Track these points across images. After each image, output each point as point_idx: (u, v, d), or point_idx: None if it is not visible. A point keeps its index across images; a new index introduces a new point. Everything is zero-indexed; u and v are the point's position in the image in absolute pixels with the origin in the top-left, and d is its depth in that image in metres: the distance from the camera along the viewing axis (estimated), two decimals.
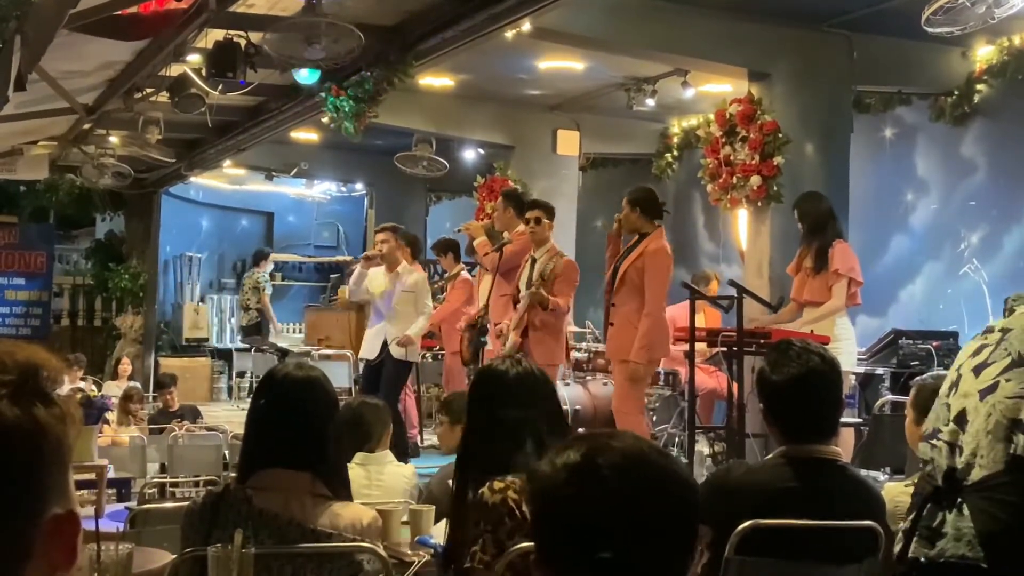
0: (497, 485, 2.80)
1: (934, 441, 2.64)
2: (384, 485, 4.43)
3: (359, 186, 16.55)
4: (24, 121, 9.55)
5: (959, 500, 2.48)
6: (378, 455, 4.53)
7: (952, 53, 9.07)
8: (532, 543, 1.61)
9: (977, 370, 2.63)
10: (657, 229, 7.02)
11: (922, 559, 2.49)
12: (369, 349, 8.70)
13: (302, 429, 2.79)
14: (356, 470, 4.33)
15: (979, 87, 9.16)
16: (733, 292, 6.82)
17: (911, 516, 2.58)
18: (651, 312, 6.79)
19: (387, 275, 8.66)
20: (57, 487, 1.09)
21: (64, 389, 1.12)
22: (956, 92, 9.29)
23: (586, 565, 1.43)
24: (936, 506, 2.51)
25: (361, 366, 9.21)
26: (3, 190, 16.25)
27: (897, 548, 2.58)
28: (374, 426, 4.62)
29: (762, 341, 6.53)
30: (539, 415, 2.95)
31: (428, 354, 10.95)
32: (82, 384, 10.06)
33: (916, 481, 2.78)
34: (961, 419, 2.60)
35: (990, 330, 2.79)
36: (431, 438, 9.79)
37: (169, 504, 5.21)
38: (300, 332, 14.59)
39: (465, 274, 9.98)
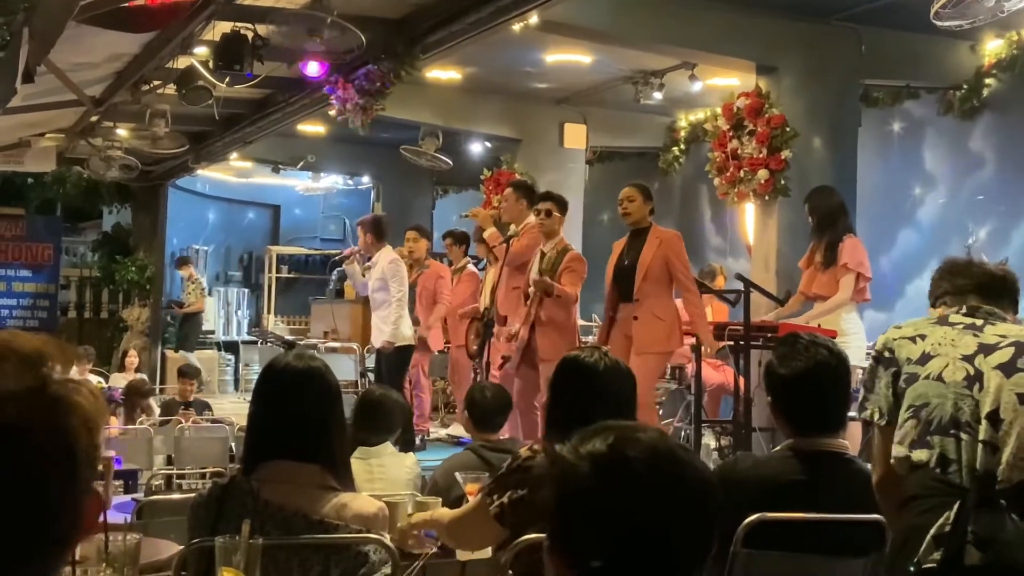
0: (536, 446, 2.94)
1: (961, 435, 2.57)
2: (386, 477, 4.43)
3: (365, 179, 16.55)
4: (32, 113, 9.57)
5: (1002, 503, 2.43)
6: (378, 448, 4.53)
7: (961, 47, 9.05)
8: (541, 534, 1.60)
9: (1006, 370, 2.59)
10: (652, 222, 7.03)
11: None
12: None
13: (304, 420, 2.78)
14: (358, 464, 4.33)
15: (988, 81, 9.14)
16: (740, 286, 6.81)
17: (947, 520, 2.50)
18: (694, 293, 6.82)
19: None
20: None
21: None
22: (965, 86, 9.27)
23: (605, 555, 1.42)
24: (978, 511, 2.45)
25: (370, 358, 9.26)
26: (10, 182, 16.28)
27: (937, 554, 2.50)
28: (389, 418, 4.64)
29: (769, 335, 6.53)
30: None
31: None
32: (90, 377, 10.09)
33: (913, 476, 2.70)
34: (994, 418, 2.56)
35: (973, 326, 2.75)
36: (437, 431, 9.80)
37: (176, 496, 5.23)
38: (306, 325, 14.60)
39: (471, 267, 9.98)
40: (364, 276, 8.84)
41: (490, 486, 2.96)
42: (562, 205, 7.59)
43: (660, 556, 1.43)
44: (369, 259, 8.92)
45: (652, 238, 6.87)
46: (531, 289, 7.45)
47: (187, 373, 9.72)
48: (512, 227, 8.14)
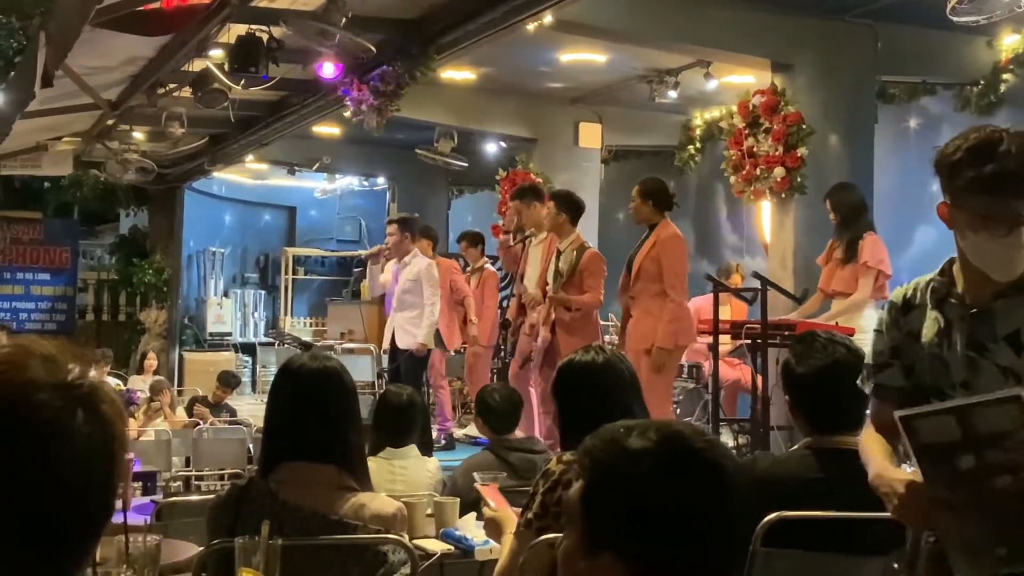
0: (566, 457, 2.88)
1: None
2: (408, 479, 4.43)
3: (381, 180, 16.57)
4: (49, 117, 9.61)
5: None
6: (403, 449, 4.54)
7: (978, 42, 9.00)
8: (557, 534, 1.59)
9: None
10: (665, 219, 6.98)
11: None
12: (385, 339, 8.82)
13: (320, 420, 2.79)
14: (381, 464, 4.34)
15: (1005, 76, 9.08)
16: (757, 284, 6.80)
17: None
18: (674, 298, 6.75)
19: (394, 266, 8.76)
20: None
21: None
22: (982, 82, 9.21)
23: (666, 551, 1.42)
24: None
25: (385, 358, 9.28)
26: (28, 186, 16.36)
27: None
28: (406, 417, 4.65)
29: (786, 333, 6.51)
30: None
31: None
32: (108, 379, 10.15)
33: None
34: None
35: None
36: (454, 431, 9.80)
37: (194, 497, 5.24)
38: (323, 327, 14.63)
39: (489, 267, 9.97)
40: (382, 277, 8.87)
41: (527, 516, 2.93)
42: (564, 204, 7.58)
43: (720, 544, 1.44)
44: (383, 259, 8.94)
45: (652, 237, 6.89)
46: (548, 289, 7.47)
47: (227, 382, 9.80)
48: (532, 229, 8.14)
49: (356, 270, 14.68)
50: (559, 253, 7.48)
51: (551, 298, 7.31)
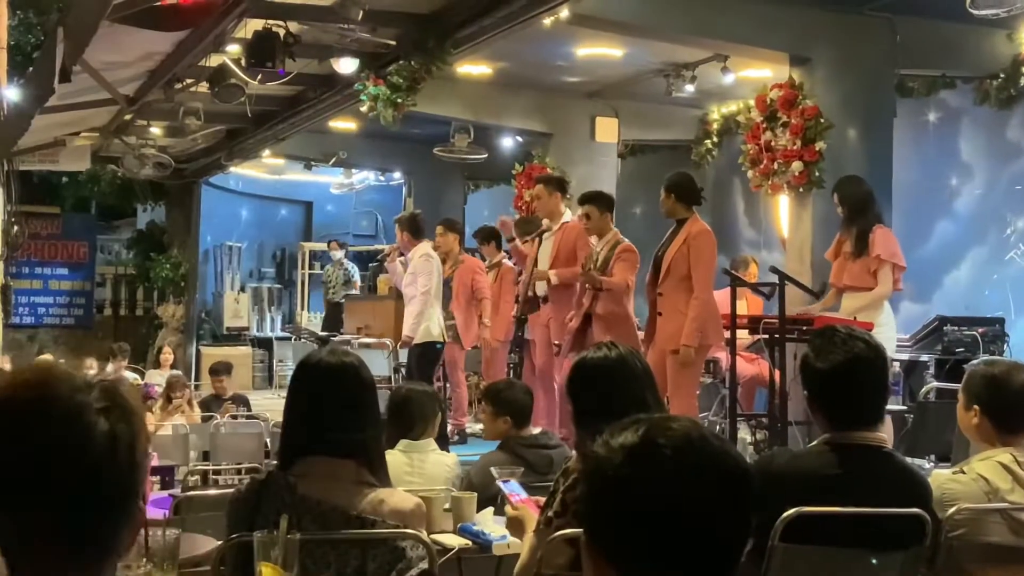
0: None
1: None
2: (426, 473, 4.43)
3: (397, 175, 16.58)
4: (67, 112, 9.64)
5: None
6: (421, 443, 4.53)
7: (997, 35, 8.94)
8: (579, 529, 1.59)
9: None
10: (693, 214, 6.94)
11: None
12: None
13: (338, 415, 2.78)
14: (399, 457, 4.35)
15: None
16: (774, 279, 6.76)
17: None
18: (699, 295, 6.69)
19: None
20: None
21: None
22: (1001, 75, 9.16)
23: (639, 548, 1.40)
24: None
25: (403, 353, 9.31)
26: (46, 181, 16.42)
27: None
28: (417, 411, 4.63)
29: (804, 328, 6.48)
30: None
31: None
32: (126, 373, 10.18)
33: None
34: None
35: None
36: (471, 427, 9.80)
37: (212, 491, 5.25)
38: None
39: (507, 262, 9.96)
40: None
41: (547, 514, 2.95)
42: (602, 203, 7.57)
43: (696, 545, 1.41)
44: (403, 255, 8.99)
45: (683, 232, 6.84)
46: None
47: (218, 370, 9.81)
48: (546, 221, 8.12)
49: (372, 265, 14.69)
50: (595, 252, 7.44)
51: (582, 275, 7.31)
